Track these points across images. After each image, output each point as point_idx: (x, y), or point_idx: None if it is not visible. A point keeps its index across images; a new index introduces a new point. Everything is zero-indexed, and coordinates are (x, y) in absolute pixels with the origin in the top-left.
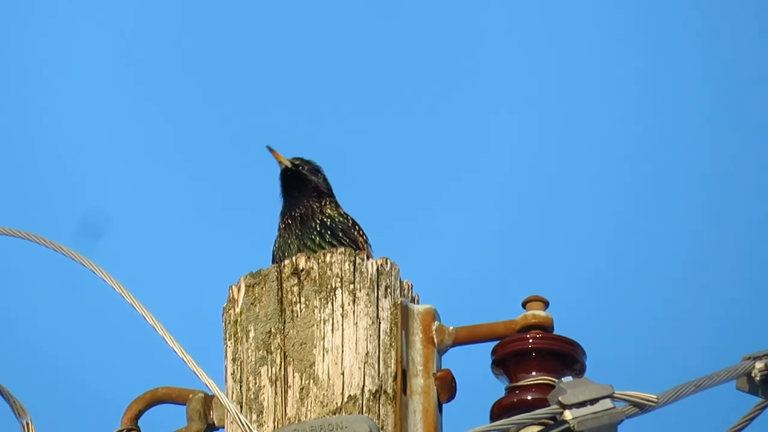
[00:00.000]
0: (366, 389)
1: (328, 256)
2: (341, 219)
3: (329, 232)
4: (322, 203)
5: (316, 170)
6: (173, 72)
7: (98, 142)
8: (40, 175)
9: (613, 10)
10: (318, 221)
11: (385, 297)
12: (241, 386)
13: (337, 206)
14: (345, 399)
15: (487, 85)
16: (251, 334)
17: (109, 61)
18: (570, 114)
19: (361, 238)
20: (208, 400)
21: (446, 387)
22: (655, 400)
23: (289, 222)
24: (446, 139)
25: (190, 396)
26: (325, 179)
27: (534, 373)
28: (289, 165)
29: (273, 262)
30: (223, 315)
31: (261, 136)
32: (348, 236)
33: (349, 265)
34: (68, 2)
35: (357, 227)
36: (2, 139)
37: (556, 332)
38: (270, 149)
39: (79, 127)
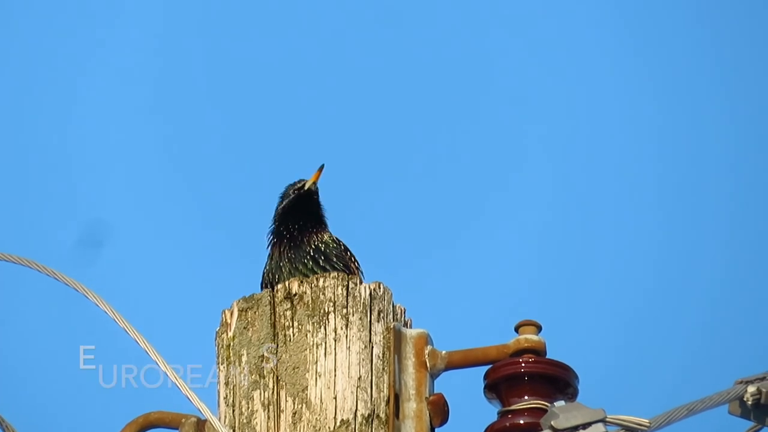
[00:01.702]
0: (359, 413)
1: (321, 280)
2: (334, 245)
3: (322, 257)
4: (319, 229)
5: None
6: (185, 98)
7: (104, 157)
8: (50, 185)
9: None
10: (313, 246)
11: (378, 321)
12: (233, 410)
13: (330, 234)
14: (338, 423)
15: (503, 130)
16: (244, 359)
17: (126, 86)
18: (575, 158)
19: (353, 264)
20: (201, 424)
21: (439, 411)
22: (648, 424)
23: (283, 243)
24: (461, 179)
25: (183, 420)
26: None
27: (526, 398)
28: (314, 188)
29: (263, 285)
30: (215, 339)
31: (266, 166)
32: (341, 261)
33: (342, 289)
34: (92, 27)
35: (349, 253)
36: (18, 148)
37: (548, 356)
38: (321, 169)
39: (87, 143)
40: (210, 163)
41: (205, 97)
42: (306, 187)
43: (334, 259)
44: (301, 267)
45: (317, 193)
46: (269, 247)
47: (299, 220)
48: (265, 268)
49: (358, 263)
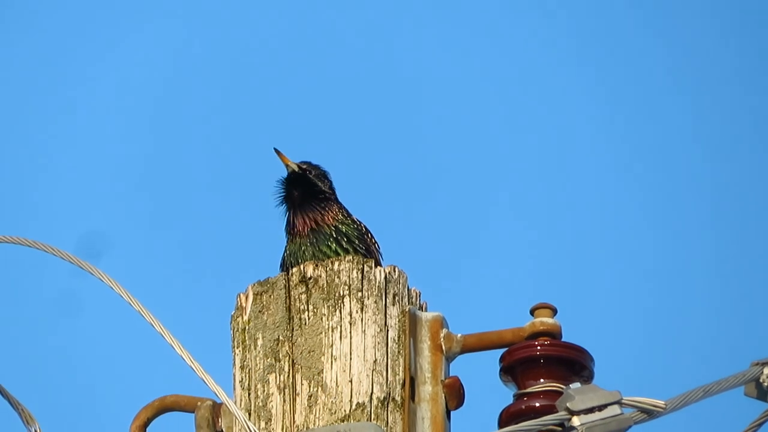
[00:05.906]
0: (374, 396)
1: (336, 264)
2: (354, 226)
3: (345, 239)
4: (333, 210)
5: (324, 176)
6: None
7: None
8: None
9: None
10: (333, 228)
11: (393, 305)
12: (249, 394)
13: (348, 214)
14: (353, 406)
15: (508, 126)
16: (259, 342)
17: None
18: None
19: (374, 247)
20: (217, 407)
21: (454, 394)
22: (663, 406)
23: (301, 228)
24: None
25: (199, 404)
26: (331, 186)
27: (542, 380)
28: (296, 168)
29: (283, 268)
30: (231, 323)
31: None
32: (363, 243)
33: (357, 272)
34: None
35: (369, 234)
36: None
37: (564, 339)
38: (277, 152)
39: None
40: (198, 171)
41: (204, 95)
42: (288, 171)
43: (356, 241)
44: (324, 249)
45: (305, 173)
46: (287, 232)
47: (305, 201)
48: (285, 251)
49: (378, 246)
